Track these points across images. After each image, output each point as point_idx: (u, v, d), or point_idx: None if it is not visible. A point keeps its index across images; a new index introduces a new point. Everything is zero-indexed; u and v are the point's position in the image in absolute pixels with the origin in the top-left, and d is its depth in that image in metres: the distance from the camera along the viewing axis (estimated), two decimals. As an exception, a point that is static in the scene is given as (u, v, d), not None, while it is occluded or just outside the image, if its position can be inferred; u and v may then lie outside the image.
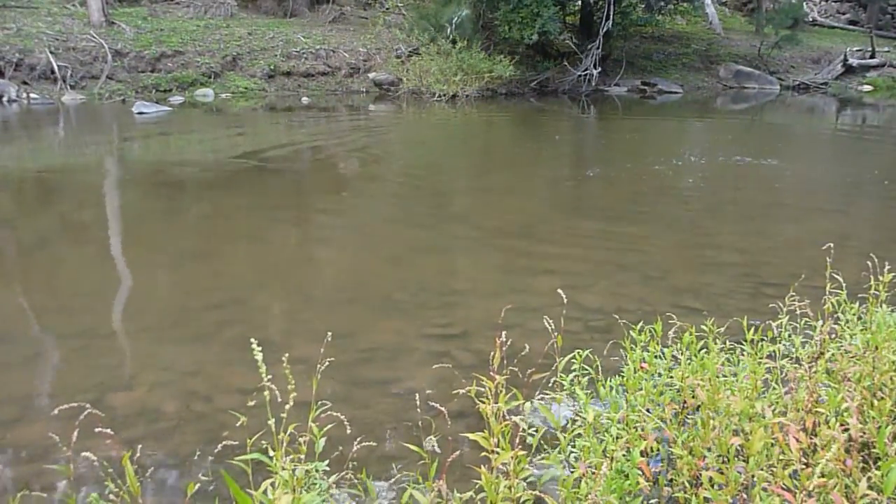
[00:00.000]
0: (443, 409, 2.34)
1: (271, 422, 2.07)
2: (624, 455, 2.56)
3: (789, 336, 3.57)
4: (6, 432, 3.37)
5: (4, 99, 15.05)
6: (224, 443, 2.27)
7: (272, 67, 17.96)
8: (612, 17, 19.03)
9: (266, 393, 2.03)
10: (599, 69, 19.71)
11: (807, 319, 3.43)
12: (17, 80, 15.54)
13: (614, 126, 15.74)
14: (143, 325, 4.79)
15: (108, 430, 2.04)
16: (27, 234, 6.71)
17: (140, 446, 2.46)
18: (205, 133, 12.85)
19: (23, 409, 3.60)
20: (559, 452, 2.60)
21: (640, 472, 2.49)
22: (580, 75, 19.73)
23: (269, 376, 2.03)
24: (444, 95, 17.70)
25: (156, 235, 6.75)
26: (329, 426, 2.40)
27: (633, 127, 15.13)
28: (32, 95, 15.43)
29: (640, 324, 3.51)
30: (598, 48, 19.37)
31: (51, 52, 15.97)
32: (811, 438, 2.56)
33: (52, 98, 15.47)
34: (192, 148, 11.07)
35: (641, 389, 3.01)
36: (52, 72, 15.80)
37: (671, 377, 3.14)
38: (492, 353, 2.48)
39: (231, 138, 12.15)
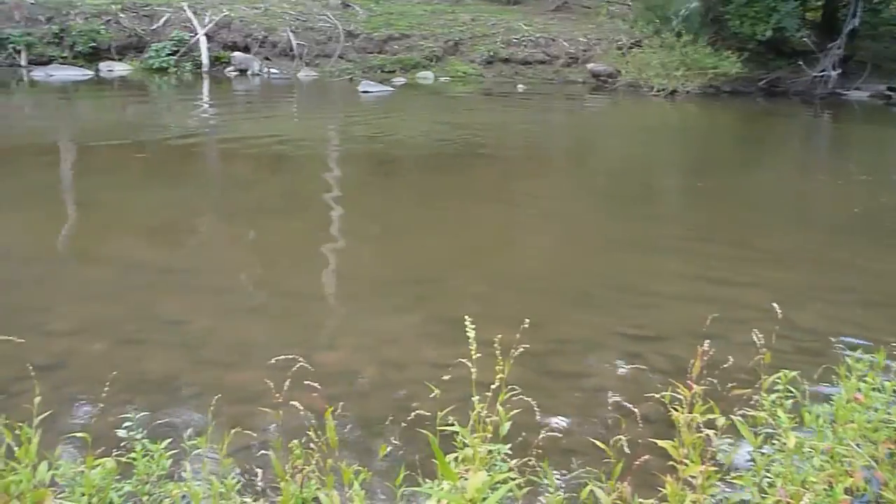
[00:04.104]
0: (635, 409, 2.29)
1: (475, 398, 2.12)
2: (825, 489, 2.37)
3: None
4: (225, 374, 3.73)
5: (249, 73, 16.55)
6: (416, 412, 2.36)
7: (491, 53, 18.27)
8: (859, 13, 17.38)
9: (471, 370, 2.09)
10: (839, 71, 18.08)
11: None
12: (260, 56, 17.01)
13: (856, 136, 14.41)
14: (347, 291, 5.11)
15: (316, 384, 2.19)
16: (254, 198, 7.34)
17: (341, 403, 2.62)
18: (422, 114, 13.36)
19: (241, 355, 3.97)
20: (753, 475, 2.46)
21: (843, 510, 2.30)
22: (816, 76, 18.22)
23: (477, 354, 2.08)
24: (663, 90, 17.08)
25: (367, 208, 7.13)
26: (515, 411, 2.42)
27: (877, 138, 13.78)
28: (273, 70, 16.85)
29: (859, 351, 3.21)
30: (839, 48, 17.77)
31: (291, 32, 17.30)
32: None
33: (289, 74, 16.80)
34: (409, 128, 11.55)
35: (853, 422, 2.76)
36: (291, 49, 17.16)
37: (889, 413, 2.85)
38: (691, 361, 2.37)
39: (446, 121, 12.52)
